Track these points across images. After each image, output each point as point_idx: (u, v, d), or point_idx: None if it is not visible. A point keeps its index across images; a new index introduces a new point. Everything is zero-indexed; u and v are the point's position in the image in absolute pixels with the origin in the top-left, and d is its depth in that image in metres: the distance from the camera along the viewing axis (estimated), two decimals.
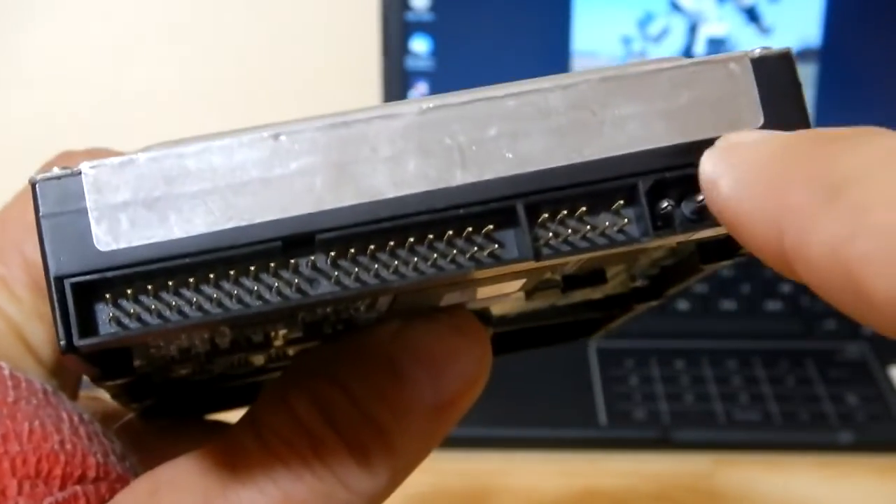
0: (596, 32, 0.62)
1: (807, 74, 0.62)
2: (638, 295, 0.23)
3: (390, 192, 0.16)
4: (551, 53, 0.63)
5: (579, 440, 0.52)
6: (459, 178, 0.16)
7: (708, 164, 0.15)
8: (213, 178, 0.15)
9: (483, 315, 0.23)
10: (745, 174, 0.14)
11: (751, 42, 0.62)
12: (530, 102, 0.16)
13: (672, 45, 0.63)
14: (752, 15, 0.62)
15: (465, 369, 0.20)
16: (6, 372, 0.19)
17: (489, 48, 0.63)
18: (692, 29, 0.62)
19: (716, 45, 0.62)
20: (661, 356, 0.58)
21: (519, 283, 0.19)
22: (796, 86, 0.17)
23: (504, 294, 0.20)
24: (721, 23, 0.62)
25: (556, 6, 0.62)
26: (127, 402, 0.23)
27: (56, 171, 0.15)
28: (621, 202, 0.16)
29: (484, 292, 0.19)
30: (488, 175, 0.16)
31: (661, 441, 0.52)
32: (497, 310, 0.23)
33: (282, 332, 0.19)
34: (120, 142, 0.76)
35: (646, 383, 0.56)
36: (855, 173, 0.13)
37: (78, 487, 0.19)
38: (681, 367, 0.57)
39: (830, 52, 0.62)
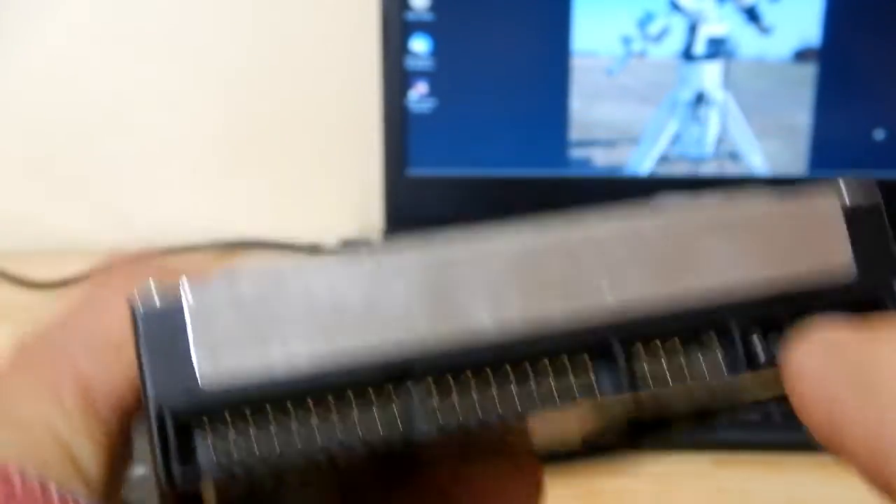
0: (596, 32, 0.62)
1: (806, 74, 0.62)
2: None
3: (489, 324, 0.16)
4: (551, 53, 0.63)
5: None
6: (558, 312, 0.16)
7: (794, 344, 0.16)
8: (313, 306, 0.15)
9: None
10: (809, 365, 0.16)
11: (751, 42, 0.62)
12: (626, 238, 0.16)
13: (672, 45, 0.63)
14: (752, 15, 0.62)
15: None
16: (55, 496, 0.18)
17: (489, 48, 0.63)
18: (692, 29, 0.62)
19: (716, 44, 0.62)
20: None
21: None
22: (884, 232, 0.17)
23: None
24: (721, 23, 0.62)
25: (556, 6, 0.62)
26: None
27: (155, 298, 0.15)
28: (714, 338, 0.16)
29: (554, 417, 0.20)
30: (586, 310, 0.16)
31: (662, 441, 0.52)
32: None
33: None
34: (119, 142, 0.75)
35: None
36: (883, 373, 0.15)
37: None
38: None
39: (830, 52, 0.62)
